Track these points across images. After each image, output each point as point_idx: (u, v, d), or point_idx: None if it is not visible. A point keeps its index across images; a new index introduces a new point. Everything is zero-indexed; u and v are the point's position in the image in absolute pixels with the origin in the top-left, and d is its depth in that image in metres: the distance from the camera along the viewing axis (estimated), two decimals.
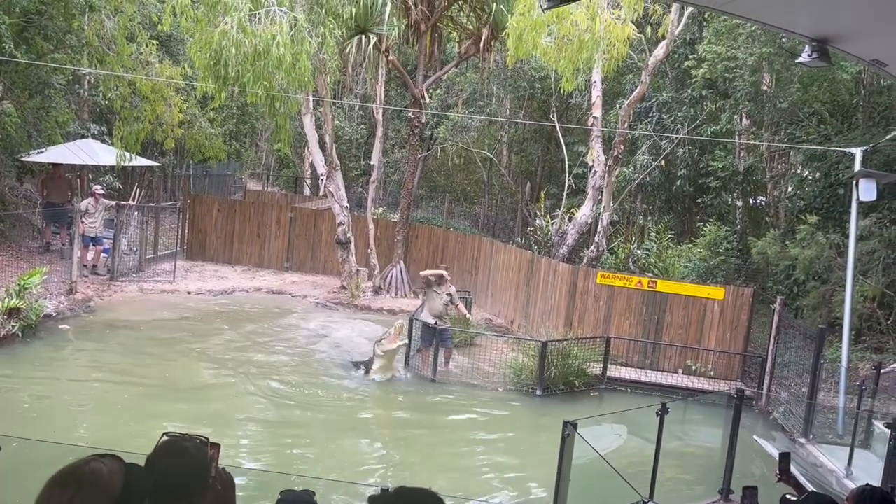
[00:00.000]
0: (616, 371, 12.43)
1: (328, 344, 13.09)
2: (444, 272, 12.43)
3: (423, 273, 12.67)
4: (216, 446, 2.30)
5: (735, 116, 17.82)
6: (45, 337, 11.87)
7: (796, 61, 7.35)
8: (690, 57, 17.50)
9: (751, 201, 19.71)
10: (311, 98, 16.00)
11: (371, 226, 17.67)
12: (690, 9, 14.28)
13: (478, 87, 23.75)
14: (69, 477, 1.78)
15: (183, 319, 13.90)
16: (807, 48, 5.83)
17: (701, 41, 17.17)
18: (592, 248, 16.04)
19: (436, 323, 11.90)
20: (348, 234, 16.63)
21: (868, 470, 8.78)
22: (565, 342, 12.14)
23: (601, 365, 12.21)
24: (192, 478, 2.17)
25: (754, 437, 10.23)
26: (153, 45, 16.19)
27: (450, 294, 12.16)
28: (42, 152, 15.82)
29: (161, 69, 16.14)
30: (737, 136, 18.26)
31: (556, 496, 5.79)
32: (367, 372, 11.39)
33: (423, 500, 2.04)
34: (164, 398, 10.00)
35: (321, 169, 17.00)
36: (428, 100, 18.33)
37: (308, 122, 16.56)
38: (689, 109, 18.17)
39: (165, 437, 2.22)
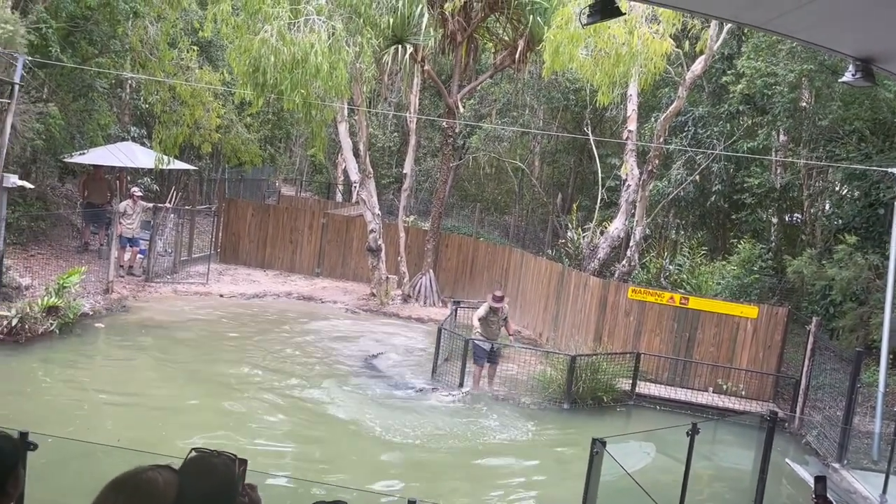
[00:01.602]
0: (645, 387, 12.31)
1: (355, 347, 13.17)
2: (492, 305, 11.73)
3: (473, 321, 11.96)
4: (244, 462, 2.32)
5: (772, 133, 17.58)
6: (82, 334, 12.11)
7: (840, 80, 7.24)
8: (728, 72, 17.32)
9: (786, 219, 19.40)
10: (346, 106, 16.16)
11: (402, 234, 17.74)
12: (730, 24, 14.15)
13: (511, 98, 23.77)
14: (125, 483, 1.84)
15: (215, 321, 14.08)
16: (850, 67, 5.75)
17: (739, 56, 16.98)
18: (624, 262, 15.92)
19: (492, 347, 11.81)
20: (379, 242, 16.73)
21: None
22: (594, 357, 12.06)
23: (630, 381, 12.10)
24: (219, 495, 2.18)
25: (786, 460, 10.05)
26: (194, 51, 16.51)
27: (505, 318, 11.99)
28: (84, 154, 16.18)
29: (200, 75, 16.44)
30: (773, 153, 18.00)
31: None
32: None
33: None
34: (194, 398, 10.13)
35: (354, 176, 17.14)
36: (461, 109, 18.39)
37: (343, 129, 16.72)
38: (725, 125, 17.97)
39: (193, 453, 2.24)
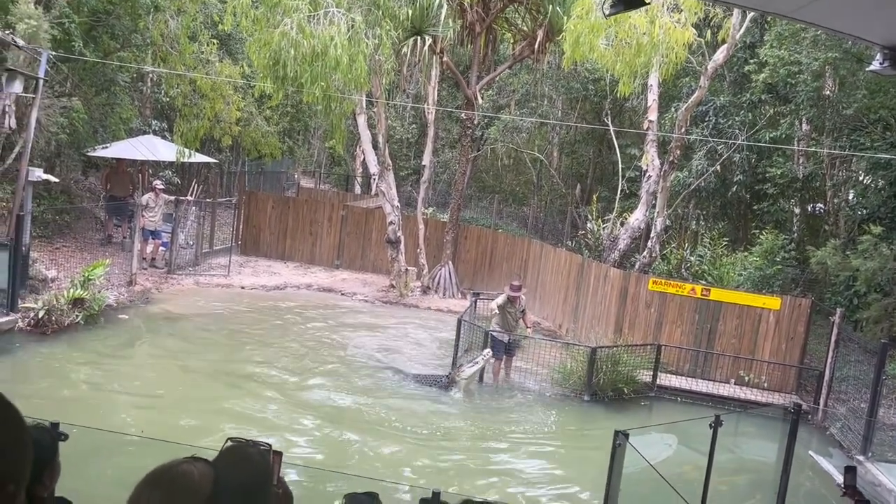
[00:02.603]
0: (666, 379, 12.25)
1: (376, 339, 13.24)
2: (510, 294, 11.82)
3: (491, 306, 12.19)
4: (278, 455, 2.34)
5: (795, 122, 17.36)
6: (106, 326, 12.27)
7: (867, 69, 7.13)
8: (751, 61, 17.11)
9: (809, 209, 19.18)
10: (364, 98, 16.17)
11: (421, 225, 17.76)
12: (753, 13, 13.97)
13: (530, 89, 23.66)
14: (160, 477, 1.84)
15: (237, 313, 14.21)
16: (878, 56, 5.65)
17: (762, 45, 16.77)
18: (645, 253, 15.83)
19: (509, 340, 11.87)
20: (398, 234, 16.76)
21: None
22: (615, 348, 12.02)
23: (651, 373, 12.05)
24: (255, 485, 2.20)
25: (810, 452, 9.98)
26: (214, 44, 16.59)
27: (523, 310, 12.02)
28: (107, 147, 16.35)
29: (221, 68, 16.52)
30: (796, 143, 17.78)
31: None
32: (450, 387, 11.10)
33: None
34: (218, 390, 10.23)
35: (373, 168, 17.17)
36: (480, 100, 18.34)
37: (362, 121, 16.75)
38: (747, 114, 17.77)
39: (230, 443, 2.26)
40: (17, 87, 11.41)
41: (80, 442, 7.19)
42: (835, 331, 11.65)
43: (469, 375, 11.09)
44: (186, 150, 16.42)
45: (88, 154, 16.84)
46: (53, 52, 12.49)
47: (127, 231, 16.37)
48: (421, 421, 9.95)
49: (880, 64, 5.64)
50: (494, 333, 11.73)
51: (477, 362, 11.22)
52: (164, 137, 18.51)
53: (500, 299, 11.88)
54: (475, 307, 13.83)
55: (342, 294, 16.77)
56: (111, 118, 15.69)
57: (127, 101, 16.39)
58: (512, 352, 11.99)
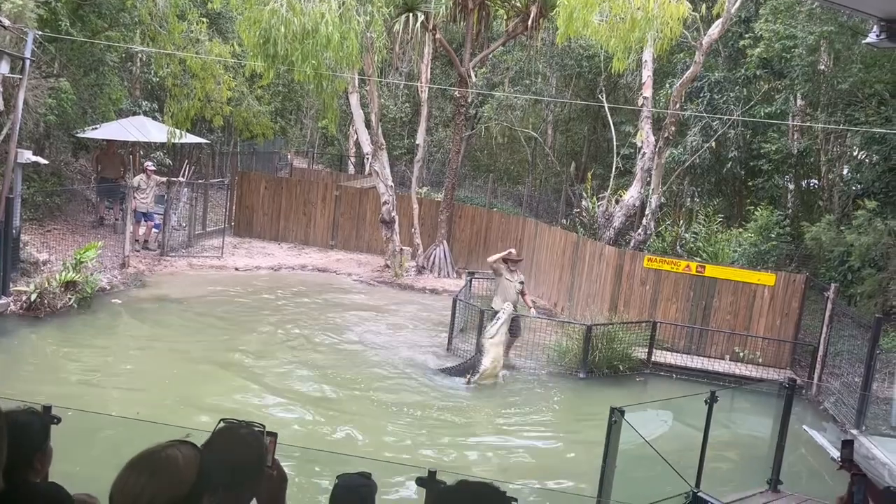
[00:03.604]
0: (661, 356, 12.28)
1: (371, 319, 13.23)
2: (511, 251, 12.10)
3: (490, 259, 12.02)
4: (273, 436, 2.31)
5: (790, 97, 17.28)
6: (99, 309, 12.22)
7: (864, 42, 7.07)
8: (746, 35, 16.98)
9: (804, 185, 19.16)
10: (356, 76, 16.01)
11: (415, 205, 17.69)
12: None
13: (524, 66, 23.46)
14: (144, 462, 1.80)
15: (231, 295, 14.16)
16: (875, 28, 5.58)
17: (757, 19, 16.64)
18: (640, 231, 15.80)
19: (515, 316, 11.51)
20: (393, 213, 16.69)
21: None
22: (610, 326, 12.04)
23: (646, 349, 12.08)
24: (249, 466, 2.18)
25: (804, 426, 10.04)
26: (203, 23, 16.36)
27: (522, 282, 11.89)
28: (96, 129, 16.19)
29: (211, 47, 16.31)
30: (791, 118, 17.71)
31: (601, 482, 5.76)
32: (471, 378, 10.56)
33: (485, 494, 2.02)
34: (212, 372, 10.22)
35: (367, 148, 17.05)
36: (474, 78, 18.19)
37: (354, 100, 16.59)
38: (742, 89, 17.66)
39: (222, 424, 2.23)
40: (4, 67, 11.24)
41: (75, 425, 7.18)
42: (829, 306, 11.68)
43: (495, 333, 10.62)
44: (177, 131, 16.25)
45: (78, 135, 16.67)
46: (40, 32, 12.30)
47: (119, 213, 16.26)
48: (418, 401, 9.96)
49: (877, 36, 5.56)
50: (495, 307, 11.36)
51: (499, 318, 10.75)
52: (154, 118, 18.33)
53: (497, 255, 11.84)
54: (470, 286, 13.81)
55: (337, 274, 16.73)
56: (100, 99, 15.51)
57: (116, 82, 16.19)
58: (515, 332, 11.71)
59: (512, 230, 17.66)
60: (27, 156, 12.06)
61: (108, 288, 13.02)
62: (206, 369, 10.30)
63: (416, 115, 23.95)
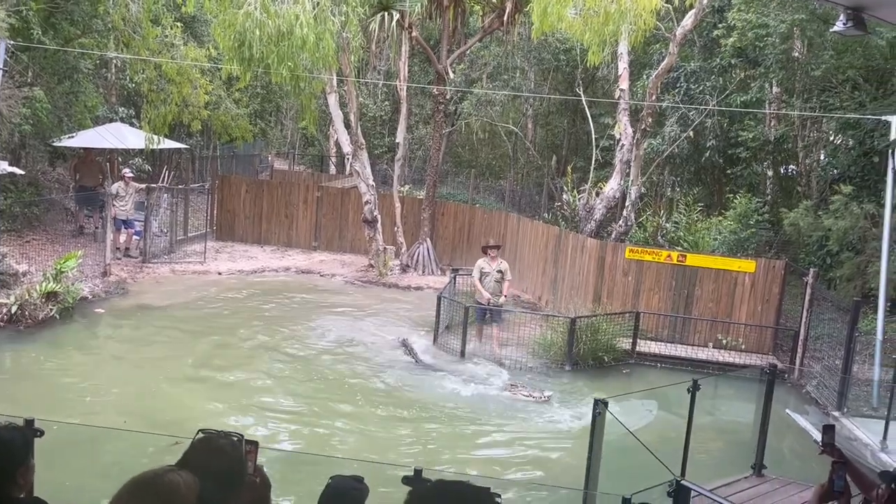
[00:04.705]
0: (646, 346, 12.39)
1: (357, 319, 13.24)
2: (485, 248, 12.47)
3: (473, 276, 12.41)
4: (254, 444, 2.33)
5: (765, 85, 17.44)
6: (82, 319, 12.13)
7: (830, 31, 7.17)
8: (719, 25, 17.12)
9: (782, 171, 19.35)
10: (334, 77, 15.98)
11: (397, 203, 17.69)
12: None
13: (502, 61, 23.50)
14: (146, 486, 1.81)
15: (214, 300, 14.10)
16: (841, 16, 5.68)
17: (730, 8, 16.77)
18: (620, 222, 15.91)
19: (489, 301, 11.95)
20: (375, 213, 16.68)
21: None
22: (594, 318, 12.12)
23: (630, 340, 12.18)
24: (228, 476, 2.20)
25: (787, 410, 10.17)
26: (178, 27, 16.26)
27: (500, 271, 12.13)
28: (73, 137, 16.03)
29: (186, 51, 16.22)
30: (767, 105, 17.88)
31: (587, 473, 5.83)
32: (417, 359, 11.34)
33: (464, 493, 2.05)
34: (198, 380, 10.18)
35: (346, 148, 17.02)
36: (452, 75, 18.20)
37: (332, 100, 16.55)
38: (717, 79, 17.81)
39: (201, 434, 2.25)
40: None
41: (59, 437, 7.14)
42: (808, 291, 11.83)
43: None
44: (155, 137, 16.16)
45: (54, 144, 16.51)
46: (12, 42, 12.17)
47: (98, 221, 16.13)
48: (405, 400, 9.99)
49: (843, 24, 5.66)
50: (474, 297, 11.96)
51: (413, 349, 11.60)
52: (131, 124, 18.18)
53: (476, 271, 12.22)
54: (454, 283, 13.85)
55: (321, 275, 16.71)
56: (76, 107, 15.36)
57: (91, 89, 16.05)
58: (497, 320, 12.00)
59: (494, 225, 17.70)
60: (3, 166, 11.96)
61: (90, 297, 12.93)
62: (190, 375, 10.26)
63: (395, 114, 23.92)
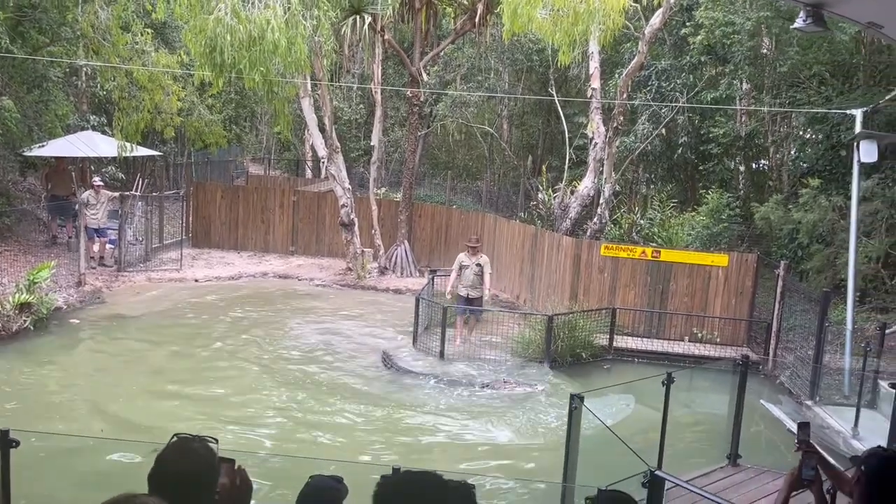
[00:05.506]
0: (623, 341, 12.54)
1: (338, 323, 13.23)
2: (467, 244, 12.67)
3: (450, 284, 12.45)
4: (230, 462, 2.37)
5: (735, 82, 17.71)
6: (57, 330, 12.01)
7: (792, 27, 7.32)
8: (687, 24, 17.35)
9: (753, 166, 19.65)
10: (308, 81, 15.96)
11: (374, 206, 17.71)
12: None
13: (475, 62, 23.61)
14: None
15: (191, 307, 14.02)
16: (801, 13, 5.81)
17: (698, 7, 17.01)
18: (595, 220, 16.06)
19: (468, 294, 12.10)
20: (352, 216, 16.69)
21: (874, 430, 8.89)
22: (571, 315, 12.24)
23: (608, 336, 12.31)
24: (200, 475, 2.24)
25: (761, 401, 10.35)
26: (148, 33, 16.15)
27: (480, 265, 12.22)
28: (43, 146, 15.85)
29: (157, 58, 16.11)
30: (737, 101, 18.15)
31: (565, 468, 5.90)
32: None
33: (427, 481, 2.11)
34: (176, 388, 10.12)
35: (322, 152, 17.01)
36: (426, 77, 18.26)
37: (306, 105, 16.53)
38: (688, 76, 18.05)
39: (175, 438, 2.29)
40: None
41: (37, 448, 7.08)
42: (780, 283, 12.04)
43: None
44: (128, 145, 16.03)
45: (25, 154, 16.32)
46: None
47: (72, 231, 15.97)
48: (385, 399, 10.01)
49: (803, 21, 5.79)
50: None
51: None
52: (103, 132, 18.03)
53: (453, 273, 12.30)
54: (433, 285, 13.90)
55: (299, 280, 16.67)
56: (46, 115, 15.22)
57: (61, 97, 15.90)
58: (475, 312, 12.21)
59: (472, 226, 17.76)
60: None
61: (65, 307, 12.80)
62: (167, 384, 10.20)
63: (370, 117, 23.92)
